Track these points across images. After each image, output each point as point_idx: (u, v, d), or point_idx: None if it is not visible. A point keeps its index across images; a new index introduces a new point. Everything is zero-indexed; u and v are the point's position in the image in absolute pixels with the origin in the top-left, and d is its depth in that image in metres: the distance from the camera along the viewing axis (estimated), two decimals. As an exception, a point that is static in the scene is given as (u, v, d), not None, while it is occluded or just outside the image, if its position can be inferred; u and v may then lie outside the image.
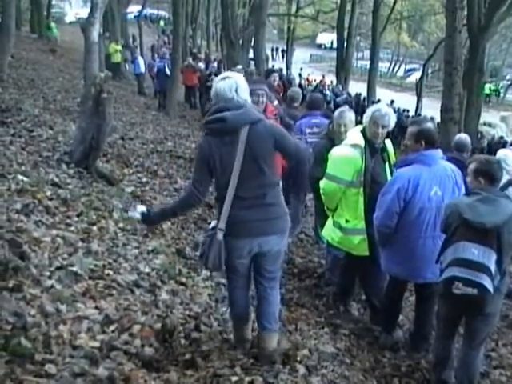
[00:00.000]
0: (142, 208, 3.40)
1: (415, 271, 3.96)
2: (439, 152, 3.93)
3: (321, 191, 4.44)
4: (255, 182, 3.07)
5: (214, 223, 3.21)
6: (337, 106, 17.71)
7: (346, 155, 4.21)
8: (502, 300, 3.67)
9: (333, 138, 4.97)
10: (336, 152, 4.34)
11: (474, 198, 3.34)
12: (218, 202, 3.15)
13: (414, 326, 4.29)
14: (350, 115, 4.97)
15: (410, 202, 3.81)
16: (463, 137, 5.84)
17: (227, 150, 3.01)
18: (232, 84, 3.07)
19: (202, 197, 3.17)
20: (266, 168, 3.06)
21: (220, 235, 3.05)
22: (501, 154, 5.50)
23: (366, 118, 4.24)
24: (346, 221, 4.28)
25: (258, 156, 3.02)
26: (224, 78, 3.11)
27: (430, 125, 4.02)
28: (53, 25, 25.29)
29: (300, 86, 27.12)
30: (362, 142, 4.18)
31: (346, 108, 5.23)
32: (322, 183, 4.38)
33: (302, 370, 3.20)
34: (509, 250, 3.32)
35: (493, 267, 3.21)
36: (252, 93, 3.74)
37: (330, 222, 4.53)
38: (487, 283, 3.18)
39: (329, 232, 4.51)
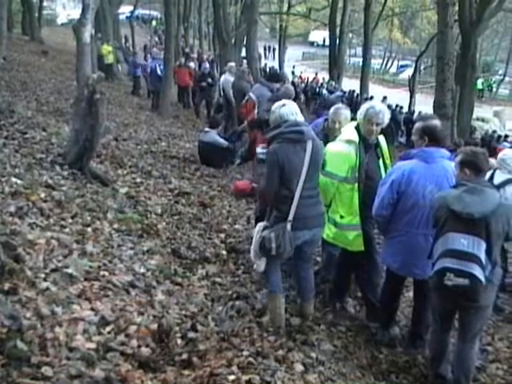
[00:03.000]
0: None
1: (405, 265, 3.98)
2: (441, 151, 3.86)
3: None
4: (312, 184, 3.86)
5: (262, 224, 3.89)
6: (331, 103, 17.70)
7: (341, 151, 4.21)
8: (496, 293, 3.68)
9: (327, 135, 4.98)
10: (330, 148, 4.34)
11: (461, 190, 3.35)
12: (283, 199, 3.79)
13: (412, 323, 4.28)
14: (346, 113, 4.96)
15: (403, 195, 3.85)
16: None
17: (297, 156, 3.76)
18: (292, 109, 3.88)
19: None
20: (317, 174, 3.93)
21: (289, 226, 3.73)
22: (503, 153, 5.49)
23: (360, 115, 4.24)
24: (341, 216, 4.29)
25: (315, 163, 3.84)
26: (284, 105, 3.90)
27: (435, 122, 3.97)
28: None
29: (293, 83, 27.13)
30: (356, 138, 4.19)
31: (341, 105, 5.23)
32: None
33: (298, 367, 3.20)
34: (497, 240, 3.34)
35: (483, 257, 3.22)
36: None
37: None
38: (478, 273, 3.19)
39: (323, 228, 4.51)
